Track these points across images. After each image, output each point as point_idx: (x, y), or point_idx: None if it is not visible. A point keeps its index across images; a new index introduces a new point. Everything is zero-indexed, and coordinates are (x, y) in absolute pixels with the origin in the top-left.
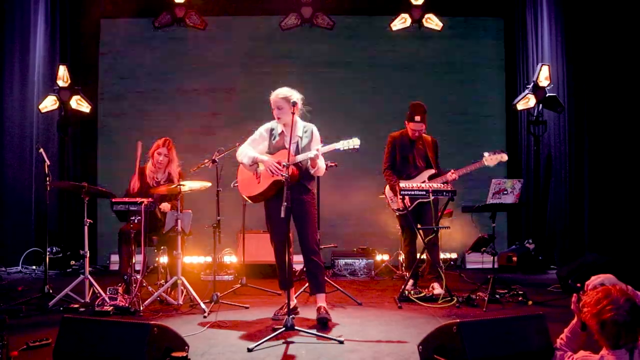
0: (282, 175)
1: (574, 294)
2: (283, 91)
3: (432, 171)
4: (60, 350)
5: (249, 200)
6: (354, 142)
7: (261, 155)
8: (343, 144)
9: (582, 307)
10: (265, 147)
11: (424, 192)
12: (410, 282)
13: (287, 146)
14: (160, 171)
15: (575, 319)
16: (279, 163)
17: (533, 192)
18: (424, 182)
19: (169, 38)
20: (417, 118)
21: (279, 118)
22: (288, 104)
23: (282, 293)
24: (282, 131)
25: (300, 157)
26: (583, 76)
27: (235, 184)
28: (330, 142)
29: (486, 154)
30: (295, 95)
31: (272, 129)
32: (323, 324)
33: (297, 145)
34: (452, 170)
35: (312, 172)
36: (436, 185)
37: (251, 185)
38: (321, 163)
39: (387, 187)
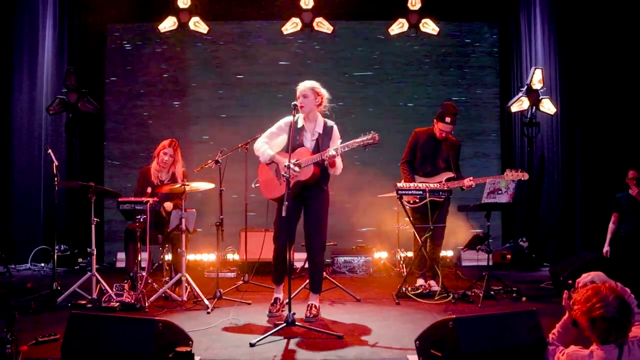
0: (283, 176)
1: (565, 291)
2: (311, 82)
3: (451, 174)
4: (68, 345)
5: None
6: (373, 137)
7: (279, 156)
8: (362, 140)
9: (573, 305)
10: (284, 140)
11: (421, 192)
12: (420, 281)
13: (305, 144)
14: (164, 171)
15: (567, 314)
16: (295, 165)
17: (527, 192)
18: (440, 182)
19: (174, 42)
20: (448, 119)
21: (302, 107)
22: (313, 94)
23: (276, 287)
24: (303, 126)
25: (316, 157)
26: (575, 79)
27: (257, 184)
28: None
29: (508, 171)
30: (321, 90)
31: (293, 123)
32: (310, 322)
33: (317, 143)
34: (471, 178)
35: (330, 172)
36: (433, 185)
37: (273, 187)
38: (339, 162)
39: (402, 182)
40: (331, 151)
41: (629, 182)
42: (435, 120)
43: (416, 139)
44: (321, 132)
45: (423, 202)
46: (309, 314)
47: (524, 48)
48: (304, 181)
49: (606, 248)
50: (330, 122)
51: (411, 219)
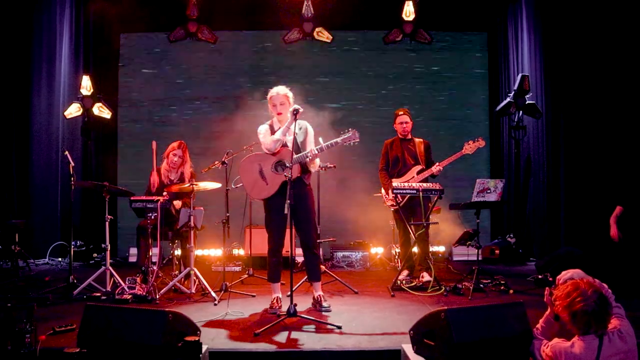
0: (285, 176)
1: (547, 288)
2: (283, 89)
3: (420, 167)
4: (83, 334)
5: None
6: (354, 134)
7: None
8: (342, 138)
9: (554, 300)
10: None
11: (415, 191)
12: (405, 272)
13: (288, 144)
14: (173, 171)
15: (549, 310)
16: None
17: (514, 191)
18: (412, 177)
19: (183, 51)
20: (401, 112)
21: (280, 114)
22: (288, 100)
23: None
24: (279, 128)
25: (302, 156)
26: (559, 85)
27: (238, 185)
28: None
29: (466, 144)
30: (290, 94)
31: (271, 127)
32: (326, 312)
33: (295, 141)
34: (437, 163)
35: (311, 168)
36: (426, 185)
37: (260, 188)
38: (317, 160)
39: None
40: (315, 150)
41: None
42: (394, 125)
43: (386, 147)
44: (297, 131)
45: (402, 202)
46: (324, 304)
47: (511, 56)
48: (292, 179)
49: (615, 230)
50: (302, 122)
51: (404, 218)
